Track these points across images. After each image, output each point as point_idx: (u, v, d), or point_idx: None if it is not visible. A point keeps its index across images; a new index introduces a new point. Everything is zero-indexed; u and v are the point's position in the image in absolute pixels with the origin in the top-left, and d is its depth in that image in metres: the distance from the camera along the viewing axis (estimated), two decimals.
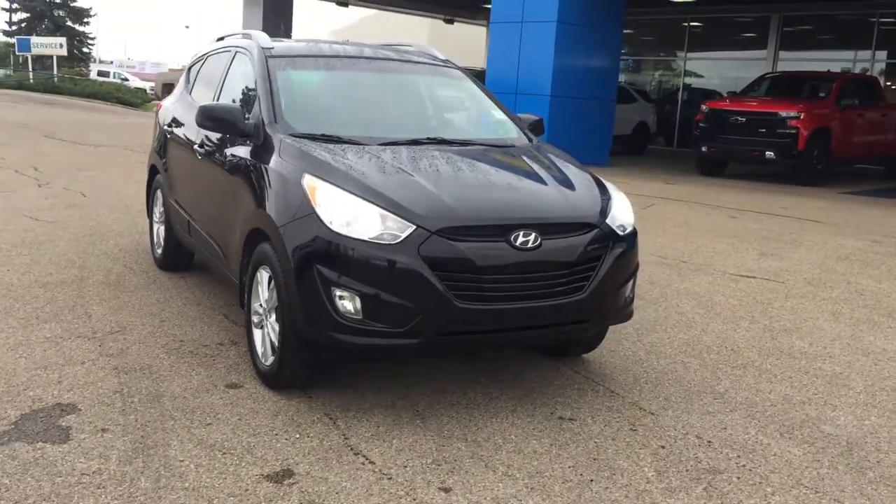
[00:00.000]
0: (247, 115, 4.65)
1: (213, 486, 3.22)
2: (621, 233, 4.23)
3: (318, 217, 3.79)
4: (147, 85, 48.88)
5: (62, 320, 5.13)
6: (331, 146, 4.31)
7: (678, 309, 6.21)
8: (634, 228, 4.43)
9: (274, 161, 4.24)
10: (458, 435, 3.81)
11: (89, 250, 7.07)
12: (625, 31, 26.99)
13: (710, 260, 8.07)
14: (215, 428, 3.73)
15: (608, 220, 4.17)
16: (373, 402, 4.11)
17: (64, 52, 57.19)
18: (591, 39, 16.75)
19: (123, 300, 5.65)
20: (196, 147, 5.37)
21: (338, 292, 3.72)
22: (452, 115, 5.29)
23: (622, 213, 4.33)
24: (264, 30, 23.56)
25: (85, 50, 73.21)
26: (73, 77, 54.28)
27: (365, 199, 3.79)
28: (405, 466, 3.48)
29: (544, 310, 3.92)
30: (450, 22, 33.26)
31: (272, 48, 5.08)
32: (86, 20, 71.89)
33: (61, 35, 63.43)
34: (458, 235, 3.74)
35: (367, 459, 3.51)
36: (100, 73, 58.00)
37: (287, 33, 26.07)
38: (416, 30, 50.62)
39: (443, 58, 5.69)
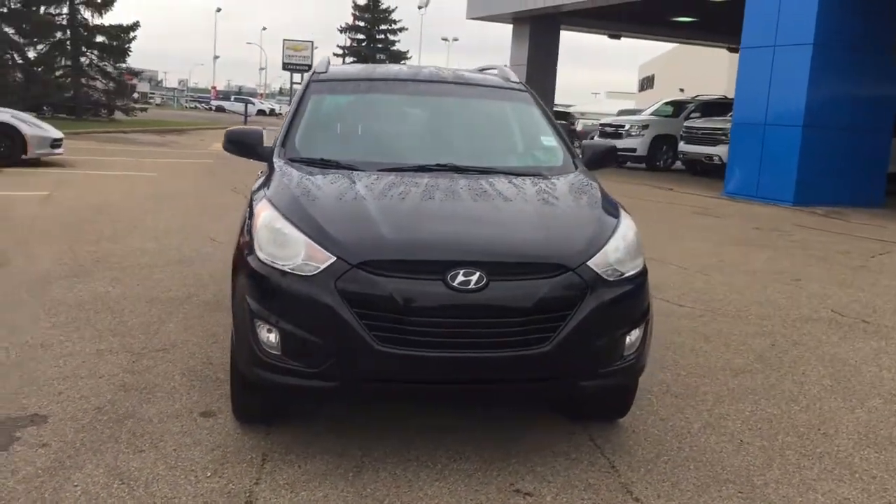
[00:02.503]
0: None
1: None
2: (610, 278, 3.54)
3: (254, 243, 3.60)
4: None
5: (128, 335, 5.37)
6: (312, 170, 4.10)
7: (799, 378, 5.13)
8: (638, 273, 3.71)
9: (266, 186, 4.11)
10: (377, 496, 3.37)
11: (228, 272, 7.42)
12: None
13: None
14: (143, 455, 3.64)
15: (590, 263, 3.50)
16: (325, 446, 3.79)
17: None
18: (856, 63, 14.84)
19: (202, 319, 5.81)
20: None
21: (260, 325, 3.48)
22: (490, 141, 4.84)
23: (620, 256, 3.63)
24: (529, 63, 23.92)
25: None
26: None
27: (297, 226, 3.52)
28: None
29: (492, 362, 3.36)
30: (734, 51, 31.33)
31: (323, 73, 4.99)
32: (402, 62, 77.91)
33: None
34: (383, 270, 3.33)
35: None
36: None
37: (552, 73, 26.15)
38: (716, 60, 48.56)
39: (515, 80, 5.24)
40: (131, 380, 4.57)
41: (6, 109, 15.89)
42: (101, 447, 3.70)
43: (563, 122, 27.77)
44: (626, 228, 3.82)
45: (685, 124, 22.60)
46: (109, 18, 40.21)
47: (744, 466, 3.81)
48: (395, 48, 77.14)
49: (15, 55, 33.54)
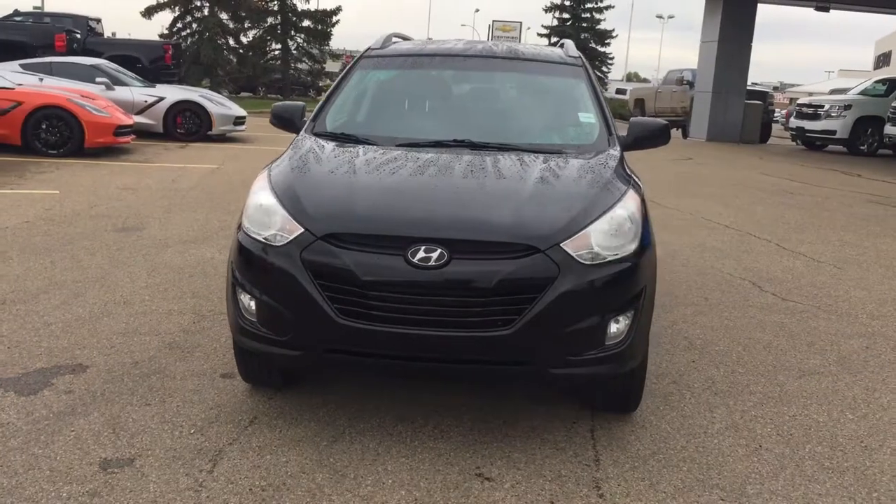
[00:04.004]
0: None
1: (55, 456, 3.39)
2: (587, 261, 3.33)
3: (242, 214, 3.73)
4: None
5: (204, 298, 5.71)
6: (325, 144, 4.16)
7: (875, 385, 4.62)
8: (626, 258, 3.44)
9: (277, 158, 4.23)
10: (336, 466, 3.41)
11: None
12: None
13: None
14: (147, 409, 3.88)
15: (564, 245, 3.31)
16: (317, 414, 3.88)
17: None
18: None
19: None
20: None
21: (241, 293, 3.60)
22: (521, 117, 4.66)
23: (604, 239, 3.41)
24: (720, 39, 22.65)
25: (604, 69, 77.78)
26: None
27: (278, 198, 3.60)
28: (232, 483, 3.25)
29: (453, 341, 3.29)
30: None
31: (377, 48, 5.04)
32: (607, 41, 76.36)
33: (586, 56, 68.52)
34: (347, 244, 3.34)
35: (210, 470, 3.33)
36: (617, 91, 61.06)
37: (748, 44, 24.63)
38: None
39: (574, 55, 5.02)
40: (182, 339, 4.87)
41: (195, 89, 17.28)
42: (115, 398, 3.99)
43: (758, 102, 26.13)
44: (621, 210, 3.57)
45: (893, 104, 20.59)
46: (315, 3, 42.27)
47: (745, 473, 3.49)
48: (600, 27, 75.70)
49: (230, 40, 36.21)
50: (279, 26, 37.26)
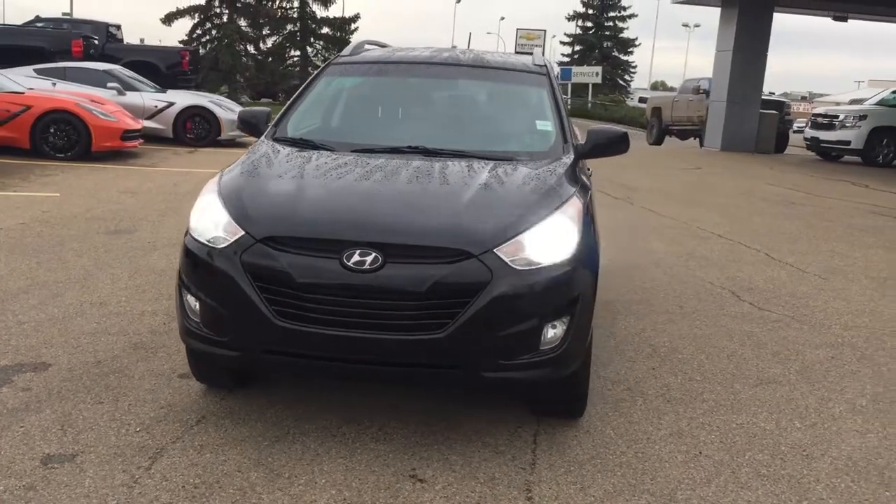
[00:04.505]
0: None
1: (2, 452, 3.48)
2: (521, 266, 3.38)
3: (190, 216, 3.81)
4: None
5: None
6: (281, 149, 4.24)
7: (831, 395, 4.60)
8: (560, 264, 3.46)
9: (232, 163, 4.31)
10: (273, 466, 3.47)
11: None
12: None
13: None
14: (100, 407, 3.96)
15: (498, 250, 3.36)
16: (265, 414, 3.94)
17: (598, 80, 61.41)
18: None
19: None
20: None
21: (187, 295, 3.68)
22: (476, 124, 4.71)
23: (539, 246, 3.45)
24: (735, 49, 22.53)
25: (626, 77, 77.63)
26: (604, 103, 58.13)
27: (224, 201, 3.67)
28: (167, 480, 3.31)
29: (387, 344, 3.34)
30: None
31: (347, 56, 5.12)
32: (630, 50, 76.20)
33: (608, 65, 68.52)
34: (285, 247, 3.41)
35: (147, 467, 3.40)
36: (640, 100, 60.86)
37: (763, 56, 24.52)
38: None
39: (539, 63, 5.05)
40: (148, 339, 4.95)
41: (204, 94, 17.46)
42: (70, 396, 4.07)
43: (774, 111, 25.95)
44: (560, 217, 3.61)
45: None
46: (334, 11, 42.52)
47: (678, 479, 3.50)
48: (622, 35, 75.57)
49: (249, 46, 36.57)
50: (298, 33, 37.62)
